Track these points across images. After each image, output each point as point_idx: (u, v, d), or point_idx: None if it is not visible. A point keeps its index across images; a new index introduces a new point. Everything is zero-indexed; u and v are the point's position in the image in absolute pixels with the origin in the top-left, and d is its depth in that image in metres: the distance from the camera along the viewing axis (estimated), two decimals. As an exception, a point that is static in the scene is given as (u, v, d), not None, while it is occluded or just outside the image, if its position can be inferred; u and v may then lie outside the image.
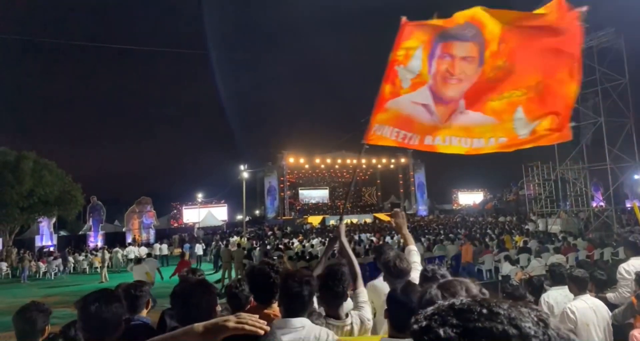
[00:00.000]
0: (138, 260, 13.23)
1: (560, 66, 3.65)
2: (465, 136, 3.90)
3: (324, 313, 2.79)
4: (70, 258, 23.58)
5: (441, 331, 0.66)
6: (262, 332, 1.31)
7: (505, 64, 3.74)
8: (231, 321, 1.33)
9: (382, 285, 3.51)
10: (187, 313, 2.07)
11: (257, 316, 1.36)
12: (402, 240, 4.23)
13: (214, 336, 1.33)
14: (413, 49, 3.88)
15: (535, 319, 0.66)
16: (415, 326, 0.71)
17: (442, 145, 3.97)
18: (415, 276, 3.18)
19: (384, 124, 3.96)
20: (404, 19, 3.85)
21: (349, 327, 2.71)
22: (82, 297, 2.21)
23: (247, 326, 1.31)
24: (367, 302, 3.08)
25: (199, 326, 1.37)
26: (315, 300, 2.62)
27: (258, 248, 18.81)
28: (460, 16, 3.80)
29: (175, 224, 45.15)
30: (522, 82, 3.74)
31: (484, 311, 0.67)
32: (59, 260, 22.42)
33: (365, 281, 4.26)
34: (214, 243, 24.30)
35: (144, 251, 23.37)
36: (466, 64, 3.84)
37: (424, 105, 3.92)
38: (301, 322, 2.25)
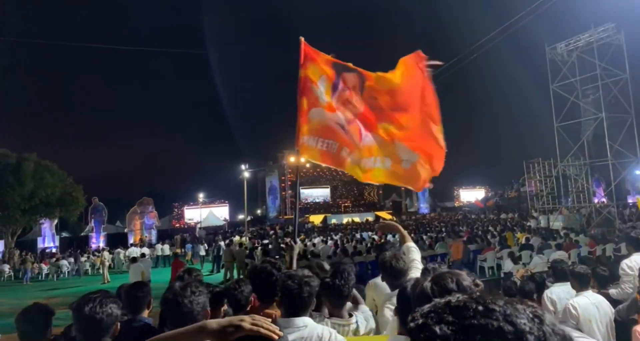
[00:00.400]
0: (134, 259, 13.65)
1: (425, 112, 4.21)
2: (367, 156, 4.36)
3: (326, 314, 2.79)
4: (72, 259, 23.65)
5: (437, 329, 0.66)
6: (276, 337, 1.28)
7: (381, 101, 4.31)
8: (246, 321, 1.29)
9: (383, 283, 3.51)
10: (180, 316, 2.07)
11: (270, 319, 1.33)
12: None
13: (227, 336, 1.29)
14: (318, 73, 4.33)
15: (531, 315, 0.67)
16: (411, 324, 0.71)
17: (350, 164, 4.37)
18: (417, 275, 3.18)
19: (309, 135, 4.28)
20: (302, 39, 4.30)
21: (354, 326, 2.70)
22: (78, 299, 2.22)
23: (262, 330, 1.27)
24: (363, 303, 3.11)
25: (212, 323, 1.32)
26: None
27: (260, 247, 18.85)
28: (351, 65, 4.38)
29: (177, 225, 45.22)
30: (397, 119, 4.29)
31: (480, 308, 0.67)
32: (64, 261, 22.54)
33: (367, 279, 4.27)
34: (214, 243, 24.32)
35: (145, 251, 23.46)
36: (355, 92, 4.36)
37: (339, 124, 4.34)
38: (303, 321, 2.26)
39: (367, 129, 4.34)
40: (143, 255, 16.73)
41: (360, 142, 4.37)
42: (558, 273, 4.51)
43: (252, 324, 1.28)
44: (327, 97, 4.33)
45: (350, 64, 4.38)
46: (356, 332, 2.70)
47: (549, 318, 0.68)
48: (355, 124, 4.38)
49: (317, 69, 4.34)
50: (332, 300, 2.77)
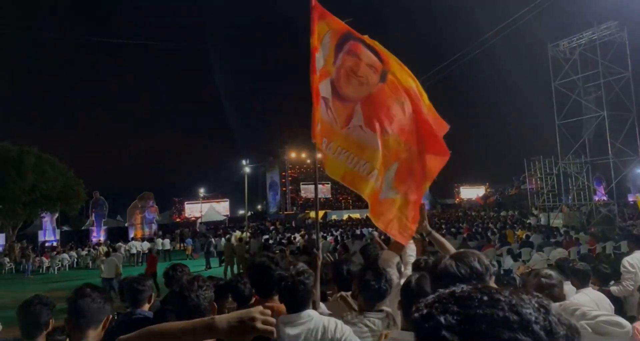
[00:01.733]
0: (107, 253, 14.39)
1: (429, 145, 3.43)
2: (356, 154, 3.50)
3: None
4: (74, 253, 23.72)
5: (442, 319, 0.66)
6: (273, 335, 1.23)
7: (402, 106, 3.48)
8: (258, 319, 1.18)
9: None
10: (186, 311, 2.07)
11: (269, 312, 1.28)
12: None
13: (239, 336, 1.18)
14: (322, 34, 3.50)
15: (536, 305, 0.66)
16: (416, 315, 0.70)
17: (331, 156, 3.53)
18: (408, 268, 3.21)
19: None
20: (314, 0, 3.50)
21: (379, 321, 2.65)
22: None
23: (269, 328, 1.18)
24: None
25: (222, 320, 1.19)
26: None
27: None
28: (368, 38, 3.56)
29: (178, 219, 45.27)
30: (406, 135, 3.49)
31: (485, 298, 0.67)
32: (65, 254, 22.71)
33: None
34: (211, 239, 24.25)
35: (146, 245, 23.47)
36: (370, 71, 3.51)
37: (324, 98, 3.45)
38: (308, 314, 2.29)
39: (368, 123, 3.45)
40: (114, 250, 17.49)
41: (342, 128, 3.47)
42: (564, 271, 4.50)
43: (264, 322, 1.19)
44: (325, 62, 3.45)
45: (367, 38, 3.54)
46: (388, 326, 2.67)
47: (555, 308, 0.68)
48: (347, 104, 3.48)
49: (324, 26, 3.49)
50: (369, 298, 2.69)
